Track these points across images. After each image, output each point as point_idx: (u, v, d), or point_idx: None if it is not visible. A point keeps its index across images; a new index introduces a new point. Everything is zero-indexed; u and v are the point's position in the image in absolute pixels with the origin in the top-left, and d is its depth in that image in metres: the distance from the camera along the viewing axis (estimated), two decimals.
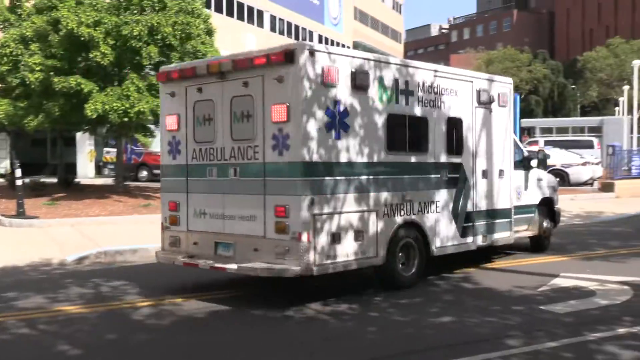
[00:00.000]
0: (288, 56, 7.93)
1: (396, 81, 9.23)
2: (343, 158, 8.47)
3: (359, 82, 8.61)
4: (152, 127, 20.66)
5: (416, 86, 9.54)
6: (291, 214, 7.98)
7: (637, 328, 7.31)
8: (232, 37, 45.35)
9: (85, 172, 30.82)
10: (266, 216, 8.24)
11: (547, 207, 13.01)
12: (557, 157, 27.59)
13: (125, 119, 17.44)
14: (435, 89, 9.88)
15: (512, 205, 11.61)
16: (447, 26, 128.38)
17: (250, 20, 50.46)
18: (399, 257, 9.32)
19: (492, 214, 11.06)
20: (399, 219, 9.20)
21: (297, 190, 7.97)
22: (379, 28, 76.33)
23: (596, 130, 43.99)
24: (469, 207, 10.55)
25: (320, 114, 8.14)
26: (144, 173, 29.36)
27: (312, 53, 8.05)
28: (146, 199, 19.68)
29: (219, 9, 45.35)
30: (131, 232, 14.55)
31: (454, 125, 10.27)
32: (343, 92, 8.44)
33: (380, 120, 8.97)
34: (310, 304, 8.57)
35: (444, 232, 10.05)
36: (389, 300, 8.75)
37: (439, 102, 9.97)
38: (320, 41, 61.45)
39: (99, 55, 17.04)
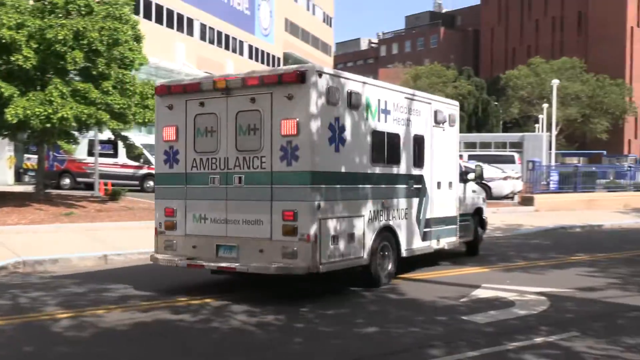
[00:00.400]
0: (300, 77, 8.81)
1: (378, 101, 10.30)
2: (341, 168, 9.45)
3: (353, 102, 9.62)
4: (75, 133, 20.09)
5: (392, 106, 10.69)
6: (300, 217, 8.82)
7: (553, 337, 7.57)
8: (161, 45, 44.71)
9: (5, 179, 29.66)
10: (273, 220, 9.02)
11: (479, 216, 14.43)
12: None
13: (48, 125, 16.91)
14: (405, 109, 11.11)
15: (457, 214, 13.02)
16: (376, 41, 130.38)
17: (180, 28, 49.89)
18: (379, 257, 10.33)
19: (444, 221, 12.42)
20: (379, 224, 10.26)
21: (306, 197, 8.85)
22: (309, 40, 76.78)
23: (517, 145, 45.48)
24: (428, 214, 11.80)
25: (324, 129, 9.07)
26: (67, 181, 28.54)
27: (320, 74, 9.00)
28: (68, 207, 19.11)
29: (148, 16, 44.64)
30: (52, 242, 14.10)
31: (418, 142, 11.48)
32: (341, 110, 9.41)
33: (367, 136, 10.04)
34: (236, 315, 8.52)
35: (410, 236, 11.23)
36: (315, 311, 8.79)
37: (408, 121, 11.20)
38: (250, 51, 61.34)
39: (21, 59, 16.47)
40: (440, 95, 78.67)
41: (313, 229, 8.82)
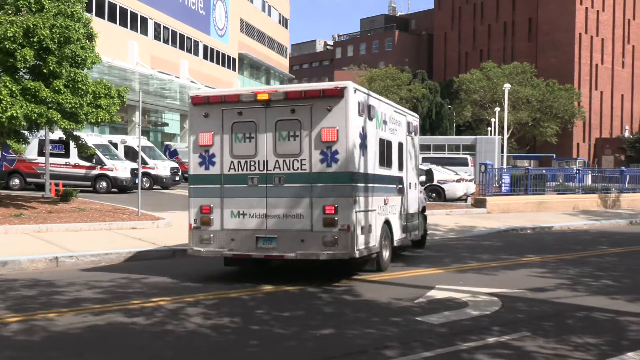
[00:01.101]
0: (340, 91, 10.29)
1: (382, 113, 11.94)
2: (365, 170, 10.96)
3: (371, 114, 11.28)
4: (25, 132, 19.64)
5: (388, 118, 12.35)
6: (340, 211, 10.28)
7: (505, 337, 7.71)
8: (114, 44, 44.03)
9: None
10: (313, 214, 10.40)
11: (423, 213, 15.89)
12: (434, 174, 28.72)
13: None
14: (394, 120, 12.84)
15: (419, 211, 14.99)
16: (331, 43, 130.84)
17: (134, 27, 49.20)
18: (383, 246, 11.93)
19: (413, 217, 14.35)
20: (383, 218, 11.90)
21: (345, 193, 10.36)
22: (265, 41, 76.60)
23: (470, 148, 46.24)
24: (405, 210, 13.64)
25: (356, 136, 10.56)
26: (16, 181, 27.90)
27: (354, 90, 10.50)
28: (18, 208, 18.69)
29: (100, 14, 43.91)
30: (1, 244, 13.76)
31: (400, 148, 13.31)
32: (365, 121, 10.92)
33: (377, 143, 11.68)
34: (191, 317, 8.46)
35: (398, 229, 13.03)
36: (270, 313, 8.77)
37: (395, 130, 13.01)
38: (205, 51, 60.87)
39: None
40: (394, 98, 79.48)
41: (351, 221, 10.30)
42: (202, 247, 10.94)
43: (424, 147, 47.51)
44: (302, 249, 10.43)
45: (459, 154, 43.97)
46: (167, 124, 54.89)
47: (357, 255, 10.53)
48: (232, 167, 10.82)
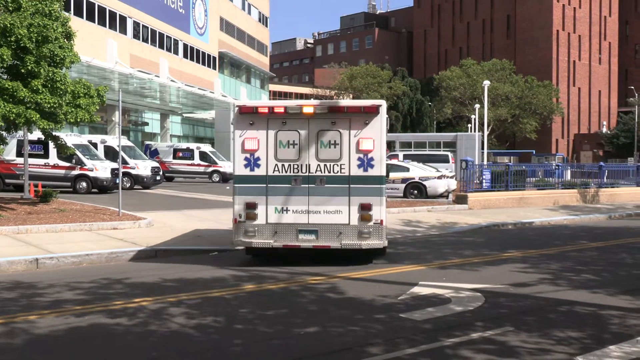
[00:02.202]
0: (377, 109, 12.28)
1: (386, 120, 12.82)
2: (387, 174, 12.71)
3: (388, 125, 13.02)
4: (3, 133, 19.40)
5: (386, 123, 13.07)
6: (374, 208, 12.18)
7: (488, 332, 7.76)
8: (93, 43, 43.69)
9: None
10: (350, 210, 12.20)
11: None
12: (416, 171, 28.82)
13: None
14: (386, 124, 13.65)
15: None
16: (312, 41, 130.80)
17: (113, 26, 48.83)
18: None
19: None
20: (385, 213, 12.96)
21: (378, 193, 12.26)
22: (245, 40, 76.38)
23: (451, 145, 46.42)
24: None
25: (384, 145, 12.45)
26: None
27: (384, 108, 12.43)
28: None
29: (79, 13, 43.53)
30: None
31: (388, 145, 14.51)
32: (385, 131, 12.57)
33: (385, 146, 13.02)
34: (174, 317, 8.41)
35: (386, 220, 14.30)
36: (254, 312, 8.75)
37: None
38: (185, 50, 60.58)
39: None
40: (375, 95, 79.61)
41: (383, 216, 12.22)
42: (249, 239, 12.35)
43: (405, 145, 47.75)
44: (342, 240, 12.22)
45: (440, 150, 44.15)
46: (147, 124, 54.58)
47: (386, 244, 12.61)
48: (276, 169, 12.40)
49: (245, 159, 12.44)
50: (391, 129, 67.82)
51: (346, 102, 12.83)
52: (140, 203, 23.81)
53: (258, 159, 12.41)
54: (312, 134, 12.37)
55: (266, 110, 12.34)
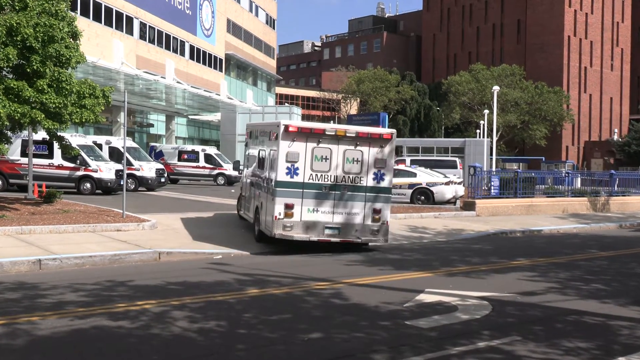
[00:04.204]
0: (391, 136, 15.26)
1: (395, 144, 15.64)
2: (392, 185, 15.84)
3: (395, 147, 15.61)
4: (8, 133, 19.32)
5: (394, 146, 15.71)
6: (383, 211, 15.23)
7: (495, 342, 7.60)
8: (99, 43, 43.72)
9: None
10: (365, 213, 15.12)
11: None
12: (423, 176, 28.64)
13: None
14: (394, 146, 16.08)
15: None
16: (319, 44, 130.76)
17: (119, 26, 48.84)
18: None
19: None
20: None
21: (387, 200, 15.36)
22: (252, 42, 76.36)
23: (459, 151, 46.15)
24: None
25: (393, 163, 15.88)
26: None
27: (395, 134, 15.40)
28: (0, 210, 18.41)
29: (85, 13, 43.54)
30: None
31: (395, 150, 16.36)
32: (393, 152, 15.58)
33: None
34: (177, 321, 8.29)
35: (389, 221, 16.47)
36: (258, 317, 8.63)
37: None
38: (192, 52, 60.60)
39: None
40: (383, 99, 79.38)
41: (389, 218, 15.48)
42: (288, 232, 14.84)
43: (413, 150, 47.54)
44: (360, 236, 15.11)
45: (448, 156, 43.89)
46: (152, 125, 54.53)
47: (389, 241, 15.80)
48: (311, 177, 14.92)
49: (287, 168, 14.82)
50: (399, 133, 67.69)
51: (368, 129, 15.67)
52: (145, 205, 23.74)
53: (297, 168, 14.84)
54: (340, 152, 15.03)
55: (308, 130, 14.87)
